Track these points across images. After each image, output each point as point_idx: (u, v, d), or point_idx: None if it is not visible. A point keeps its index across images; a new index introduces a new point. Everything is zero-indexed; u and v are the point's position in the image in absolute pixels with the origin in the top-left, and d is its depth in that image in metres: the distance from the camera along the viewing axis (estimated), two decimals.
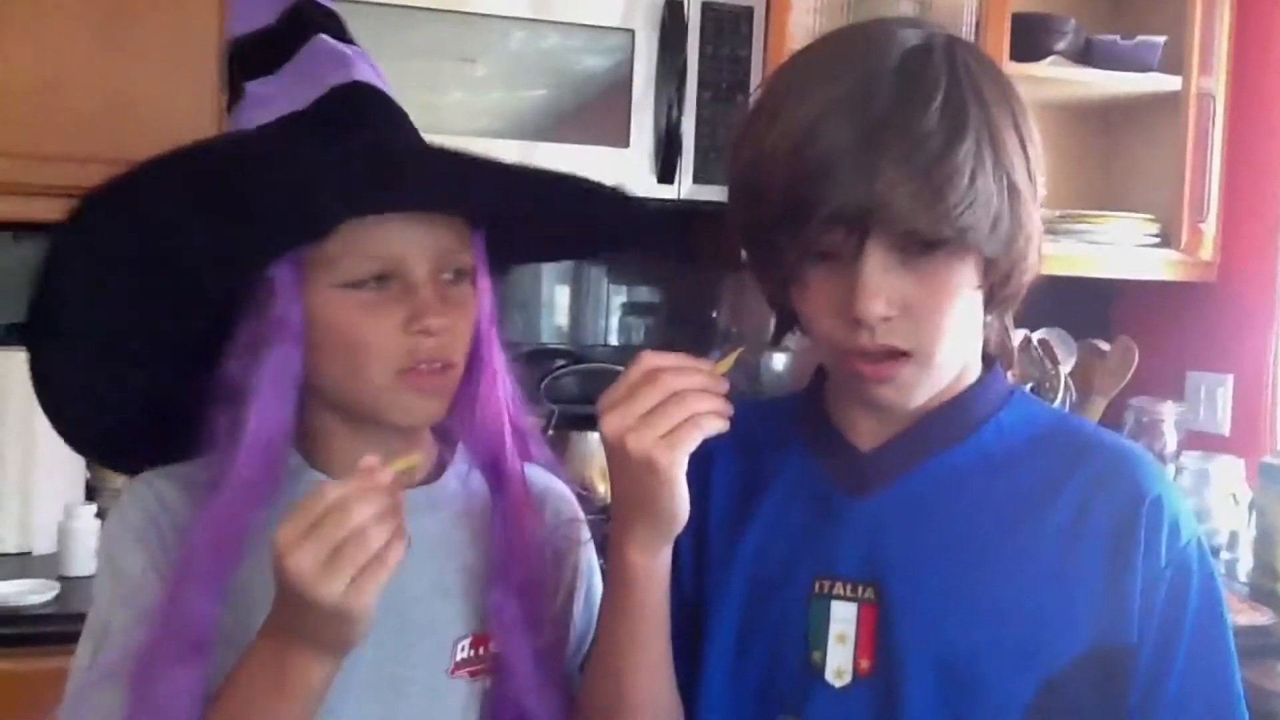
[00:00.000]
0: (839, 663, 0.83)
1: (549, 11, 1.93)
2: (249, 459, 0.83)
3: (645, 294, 2.44)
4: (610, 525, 0.82)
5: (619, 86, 1.97)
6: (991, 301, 0.82)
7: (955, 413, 0.86)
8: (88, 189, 0.81)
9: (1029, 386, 2.17)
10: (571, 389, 2.21)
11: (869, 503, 0.85)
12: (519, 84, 1.96)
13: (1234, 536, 2.00)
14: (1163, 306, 2.37)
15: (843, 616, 0.83)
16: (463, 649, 0.92)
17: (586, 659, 0.90)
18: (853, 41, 0.81)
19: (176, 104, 1.75)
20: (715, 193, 1.99)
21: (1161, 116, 2.27)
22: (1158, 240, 2.23)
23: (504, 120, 1.94)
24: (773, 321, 0.90)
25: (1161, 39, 2.22)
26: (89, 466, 1.87)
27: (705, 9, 1.99)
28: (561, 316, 2.38)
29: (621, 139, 1.97)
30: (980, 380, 0.87)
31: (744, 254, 0.87)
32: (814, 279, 0.80)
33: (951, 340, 0.80)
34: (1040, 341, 2.26)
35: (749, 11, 2.01)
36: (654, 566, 0.81)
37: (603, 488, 2.02)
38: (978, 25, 2.12)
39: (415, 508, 0.92)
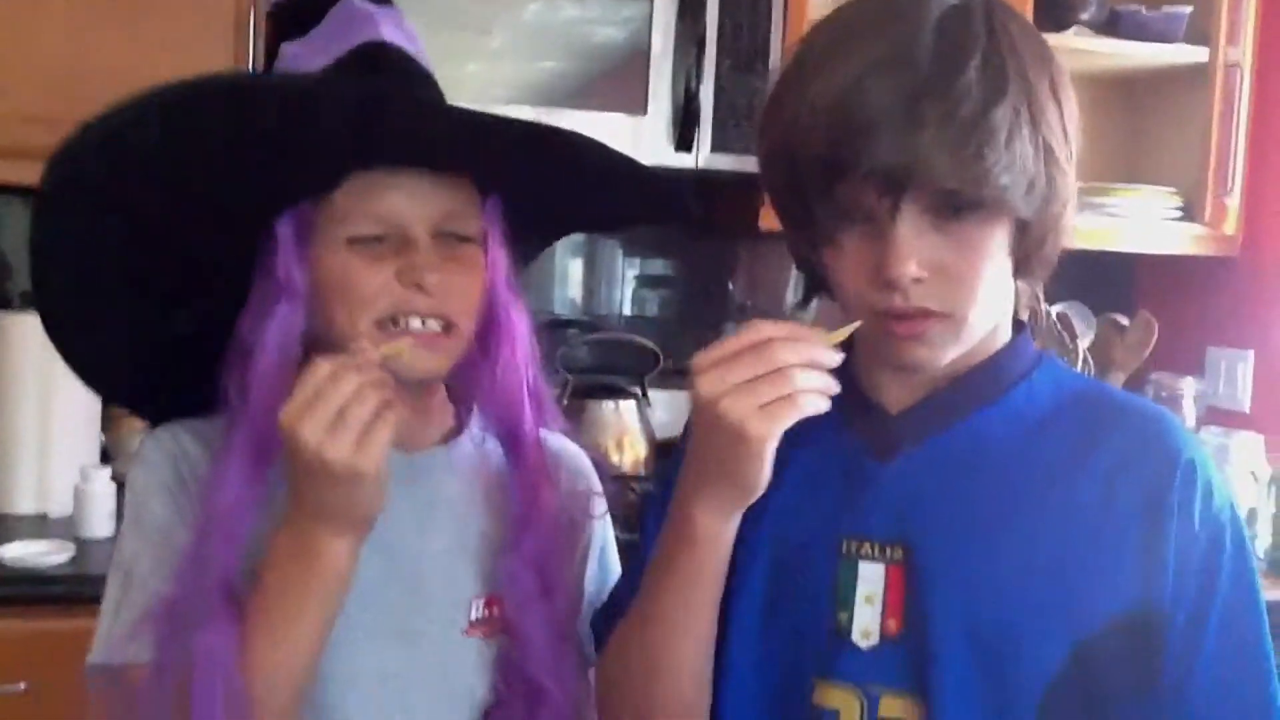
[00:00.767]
0: (866, 624, 0.82)
1: None
2: (256, 418, 0.83)
3: (660, 265, 2.43)
4: (679, 483, 0.80)
5: (637, 54, 1.95)
6: (1023, 267, 0.82)
7: (985, 375, 0.85)
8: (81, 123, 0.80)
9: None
10: (586, 359, 2.20)
11: (898, 464, 0.85)
12: (535, 54, 1.94)
13: (1253, 513, 1.99)
14: (1183, 281, 2.35)
15: (870, 577, 0.83)
16: (477, 608, 0.92)
17: (621, 622, 0.89)
18: (888, 5, 0.80)
19: (194, 68, 1.73)
20: (733, 161, 1.97)
21: (1187, 88, 2.24)
22: (1180, 214, 2.20)
23: (521, 90, 1.93)
24: (790, 290, 0.89)
25: (1187, 9, 2.19)
26: (104, 430, 1.87)
27: None
28: (575, 287, 2.37)
29: (639, 107, 1.95)
30: (1010, 344, 0.87)
31: (775, 215, 0.86)
32: (847, 240, 0.79)
33: (983, 303, 0.80)
34: (1059, 315, 2.24)
35: None
36: (721, 531, 0.80)
37: (617, 458, 2.02)
38: None
39: (433, 468, 0.93)
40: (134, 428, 1.92)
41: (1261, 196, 2.19)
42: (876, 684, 0.82)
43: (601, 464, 1.06)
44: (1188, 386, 2.17)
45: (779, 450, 0.76)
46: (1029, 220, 0.78)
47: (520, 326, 0.94)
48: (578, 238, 2.34)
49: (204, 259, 0.87)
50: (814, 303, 0.86)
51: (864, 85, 0.74)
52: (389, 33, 0.88)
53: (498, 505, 0.95)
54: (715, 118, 1.97)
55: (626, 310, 2.40)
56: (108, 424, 1.88)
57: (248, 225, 0.86)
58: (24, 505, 1.78)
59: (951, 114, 0.73)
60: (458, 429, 0.97)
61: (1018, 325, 0.89)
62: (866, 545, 0.83)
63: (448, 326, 0.87)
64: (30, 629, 1.50)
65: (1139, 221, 2.18)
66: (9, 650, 1.49)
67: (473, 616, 0.92)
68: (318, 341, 0.87)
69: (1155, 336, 2.20)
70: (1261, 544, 1.95)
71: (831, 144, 0.75)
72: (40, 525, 1.74)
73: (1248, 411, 2.20)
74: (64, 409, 1.79)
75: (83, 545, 1.63)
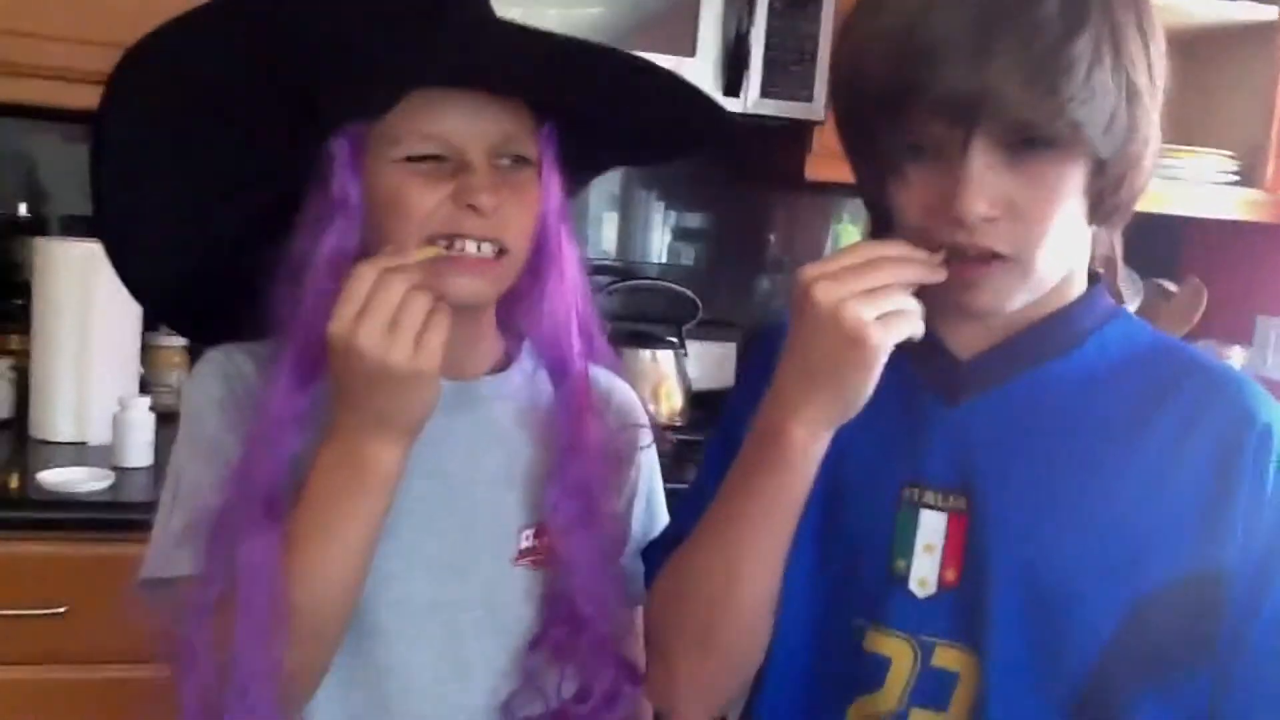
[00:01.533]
0: (924, 572, 0.81)
1: None
2: (306, 333, 0.83)
3: (698, 216, 2.40)
4: (768, 400, 0.79)
5: None
6: (1099, 210, 0.78)
7: (1059, 325, 0.83)
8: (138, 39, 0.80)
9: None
10: (621, 307, 2.19)
11: (963, 410, 0.83)
12: None
13: None
14: (1233, 247, 2.30)
15: (931, 526, 0.81)
16: (526, 538, 0.92)
17: (685, 546, 0.86)
18: None
19: None
20: (782, 107, 1.93)
21: (1251, 47, 2.18)
22: (1237, 178, 2.15)
23: (569, 28, 1.88)
24: (829, 245, 0.87)
25: None
26: (143, 361, 1.88)
27: None
28: (611, 234, 2.35)
29: (688, 48, 1.92)
30: (1084, 296, 0.85)
31: (841, 146, 0.83)
32: (914, 173, 0.77)
33: (1053, 247, 0.77)
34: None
35: None
36: (815, 449, 0.78)
37: (653, 407, 2.01)
38: None
39: (484, 396, 0.93)
40: (172, 360, 1.92)
41: None
42: (930, 634, 0.81)
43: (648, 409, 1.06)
44: (1235, 356, 2.13)
45: None
46: (1107, 159, 0.75)
47: (570, 255, 0.94)
48: (613, 184, 2.31)
49: (259, 177, 0.87)
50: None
51: (934, 9, 0.71)
52: None
53: (546, 437, 0.95)
54: (765, 62, 1.93)
55: (662, 259, 2.37)
56: (146, 355, 1.88)
57: (302, 143, 0.85)
58: (63, 432, 1.79)
59: (1027, 42, 0.70)
60: (508, 359, 0.97)
61: (1093, 277, 0.86)
62: (928, 493, 0.82)
63: (500, 251, 0.86)
64: (70, 553, 1.51)
65: (1193, 184, 2.13)
66: (49, 573, 1.51)
67: (521, 545, 0.92)
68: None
69: (1204, 304, 2.16)
70: None
71: (899, 70, 0.73)
72: (79, 452, 1.75)
73: None
74: (103, 338, 1.79)
75: (121, 474, 1.64)
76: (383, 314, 0.77)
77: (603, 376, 1.00)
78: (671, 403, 2.04)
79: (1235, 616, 0.77)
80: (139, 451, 1.69)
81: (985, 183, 0.73)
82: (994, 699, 0.78)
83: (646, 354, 2.03)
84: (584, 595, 0.91)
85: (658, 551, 0.93)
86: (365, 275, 0.78)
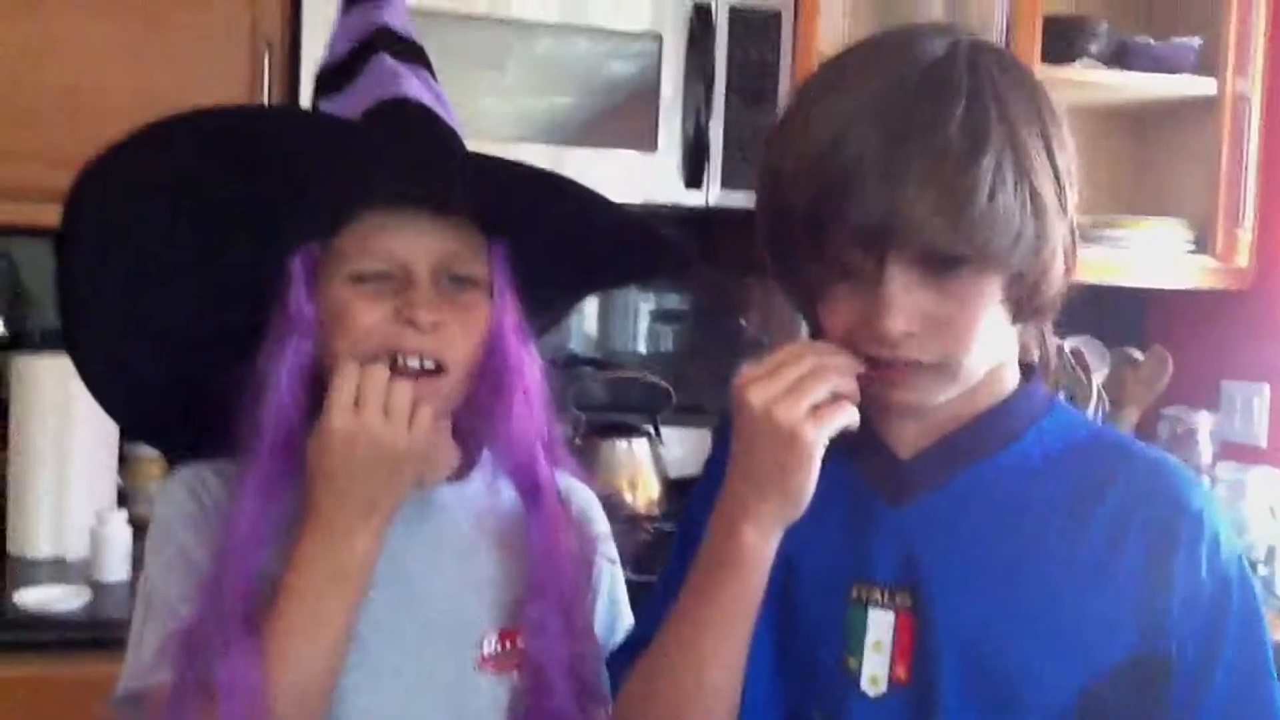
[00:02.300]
0: (874, 670, 0.82)
1: (577, 17, 1.93)
2: (268, 448, 0.86)
3: (673, 301, 2.43)
4: (720, 503, 0.81)
5: (647, 91, 1.97)
6: (1020, 313, 0.81)
7: (995, 421, 0.85)
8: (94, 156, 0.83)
9: (1061, 396, 2.15)
10: (599, 396, 2.21)
11: (908, 509, 0.85)
12: (548, 89, 1.96)
13: (1272, 551, 1.97)
14: (1197, 314, 2.34)
15: (880, 624, 0.83)
16: (490, 643, 0.93)
17: (650, 650, 0.88)
18: (874, 54, 0.80)
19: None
20: (744, 198, 1.98)
21: (1196, 120, 2.24)
22: (1193, 247, 2.20)
23: (533, 126, 1.94)
24: (803, 327, 0.90)
25: (1196, 40, 2.20)
26: (121, 473, 1.88)
27: (733, 13, 1.98)
28: (589, 324, 2.38)
29: (649, 144, 1.97)
30: (1019, 389, 0.87)
31: (771, 268, 0.86)
32: (837, 295, 0.80)
33: (978, 351, 0.80)
34: (1072, 350, 2.23)
35: (777, 16, 2.00)
36: (766, 549, 0.80)
37: (630, 497, 2.02)
38: (1009, 27, 2.11)
39: (443, 504, 0.95)
40: (150, 473, 1.93)
41: (1274, 229, 2.18)
42: None
43: (612, 504, 1.07)
44: (1203, 421, 2.15)
45: None
46: (1018, 272, 0.77)
47: (533, 372, 0.96)
48: None
49: (222, 295, 0.90)
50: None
51: (844, 140, 0.74)
52: (413, 89, 0.91)
53: (509, 543, 0.96)
54: (725, 154, 1.98)
55: (641, 347, 2.40)
56: (125, 467, 1.89)
57: (263, 262, 0.88)
58: (41, 548, 1.79)
59: (932, 169, 0.73)
60: (466, 466, 0.99)
61: (1027, 369, 0.89)
62: (876, 591, 0.83)
63: (439, 365, 0.89)
64: (46, 675, 1.50)
65: (1151, 254, 2.17)
66: (25, 696, 1.49)
67: (485, 651, 0.93)
68: (326, 376, 0.88)
69: (1170, 371, 2.19)
70: None
71: (814, 200, 0.76)
72: (56, 568, 1.75)
73: (1264, 446, 2.18)
74: (81, 451, 1.80)
75: (99, 589, 1.64)
76: (376, 401, 0.83)
77: (562, 481, 1.02)
78: (648, 492, 2.05)
79: (1182, 699, 0.79)
80: (117, 565, 1.68)
81: (904, 302, 0.76)
82: None
83: (622, 444, 2.04)
84: (565, 708, 0.92)
85: (623, 655, 0.94)
86: (350, 371, 0.84)
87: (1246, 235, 2.17)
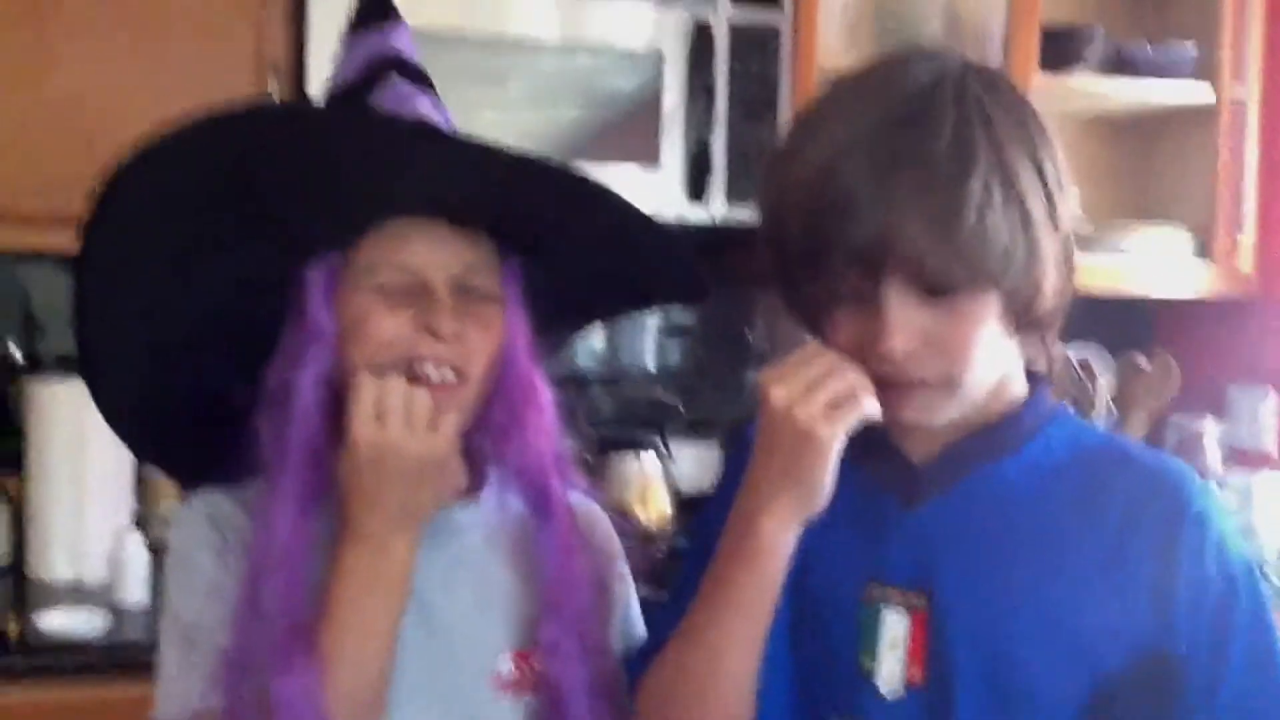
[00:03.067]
0: (890, 669, 0.84)
1: (579, 36, 1.95)
2: (297, 460, 0.87)
3: (680, 316, 2.44)
4: (741, 497, 0.83)
5: (649, 106, 1.99)
6: (1020, 326, 0.83)
7: (1004, 428, 0.87)
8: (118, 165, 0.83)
9: (1068, 404, 2.15)
10: (608, 413, 2.22)
11: (920, 512, 0.87)
12: (550, 105, 1.98)
13: None
14: (1201, 321, 2.35)
15: (894, 624, 0.85)
16: (505, 664, 0.94)
17: (669, 645, 0.89)
18: (865, 84, 0.83)
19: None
20: (748, 212, 1.99)
21: (1194, 126, 2.26)
22: (1195, 253, 2.20)
23: (536, 141, 1.96)
24: (811, 339, 0.92)
25: (1193, 47, 2.21)
26: (137, 496, 1.90)
27: (733, 30, 2.00)
28: (597, 340, 2.39)
29: (652, 158, 1.99)
30: (1027, 398, 0.89)
31: (776, 291, 0.88)
32: (839, 317, 0.82)
33: (980, 366, 0.82)
34: (1078, 359, 2.24)
35: (775, 31, 2.02)
36: (785, 542, 0.82)
37: (641, 513, 2.03)
38: (1006, 36, 2.12)
39: (454, 526, 0.95)
40: (166, 494, 1.94)
41: (1275, 234, 2.19)
42: None
43: (623, 523, 1.08)
44: (1209, 427, 2.16)
45: None
46: (1012, 290, 0.79)
47: (545, 392, 0.97)
48: None
49: (235, 312, 0.90)
50: None
51: (837, 170, 0.77)
52: (426, 111, 0.92)
53: (522, 562, 0.97)
54: (728, 168, 2.00)
55: (649, 362, 2.41)
56: (140, 490, 1.91)
57: (277, 277, 0.89)
58: (59, 571, 1.81)
59: (922, 192, 0.76)
60: (475, 485, 0.99)
61: (1034, 377, 0.90)
62: (890, 591, 0.85)
63: (460, 375, 0.90)
64: (65, 698, 1.51)
65: (1153, 262, 2.18)
66: (45, 719, 1.51)
67: (501, 673, 0.94)
68: (344, 386, 0.89)
69: (1176, 378, 2.19)
70: None
71: (809, 226, 0.79)
72: (75, 591, 1.77)
73: (1271, 451, 2.19)
74: (97, 475, 1.82)
75: (117, 612, 1.66)
76: (398, 411, 0.84)
77: (575, 500, 1.02)
78: (659, 507, 2.05)
79: (1193, 698, 0.81)
80: (135, 588, 1.70)
81: (903, 322, 0.78)
82: None
83: (632, 459, 2.05)
84: None
85: (641, 659, 0.95)
86: (368, 383, 0.85)
87: (1248, 240, 2.19)
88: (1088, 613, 0.81)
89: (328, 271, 0.89)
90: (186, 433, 0.95)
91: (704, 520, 0.98)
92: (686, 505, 2.07)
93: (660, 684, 0.90)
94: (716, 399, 2.36)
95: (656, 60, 1.98)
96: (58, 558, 1.81)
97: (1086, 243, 2.17)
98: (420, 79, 0.95)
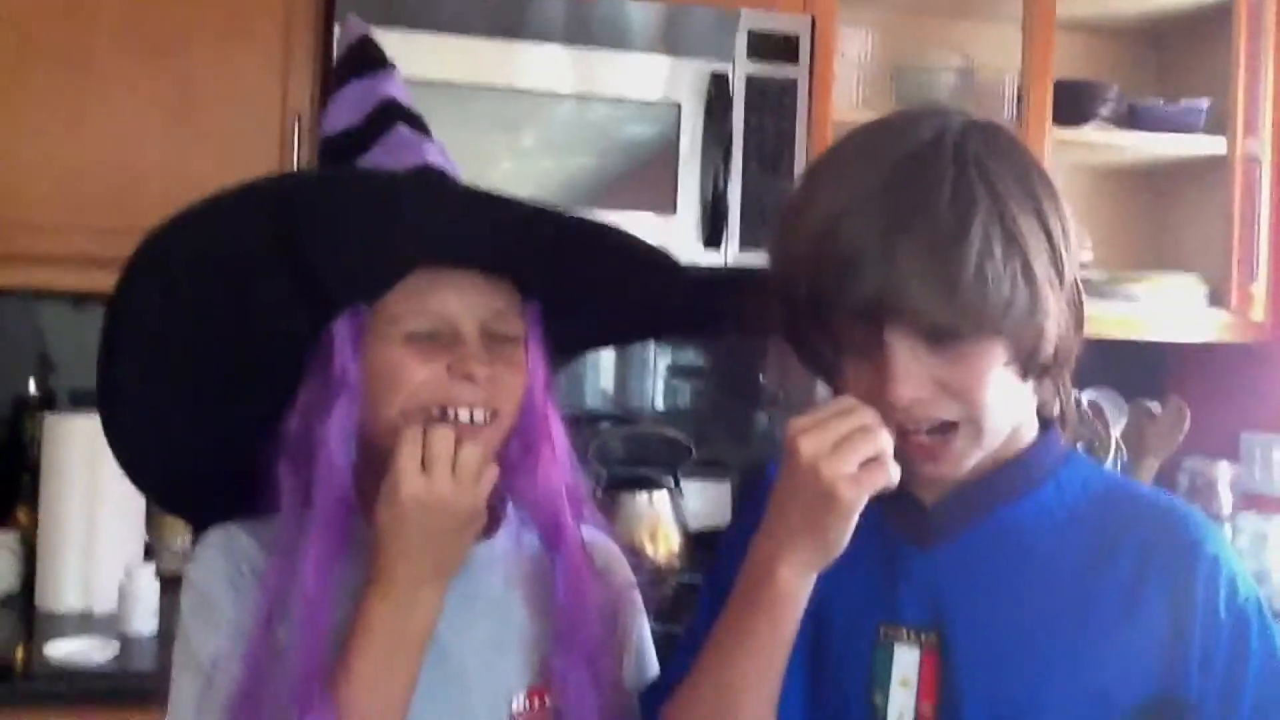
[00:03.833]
0: (900, 707, 0.85)
1: (595, 86, 1.98)
2: (328, 511, 0.87)
3: (691, 357, 2.46)
4: (757, 543, 0.83)
5: (666, 156, 2.01)
6: (1029, 372, 0.84)
7: (1015, 471, 0.88)
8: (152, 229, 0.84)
9: (1080, 448, 2.15)
10: (619, 452, 2.22)
11: (932, 555, 0.87)
12: (566, 153, 2.00)
13: None
14: (1214, 367, 2.35)
15: (905, 661, 0.85)
16: (519, 702, 0.94)
17: (683, 690, 0.89)
18: (868, 143, 0.85)
19: (239, 180, 1.82)
20: (762, 259, 1.99)
21: (1207, 179, 2.28)
22: (1208, 301, 2.22)
23: (552, 190, 1.99)
24: (820, 388, 0.93)
25: (1205, 102, 2.23)
26: (148, 527, 1.91)
27: (750, 81, 2.03)
28: (608, 380, 2.41)
29: (669, 206, 2.01)
30: (1038, 441, 0.89)
31: (789, 345, 0.90)
32: (849, 369, 0.83)
33: (996, 410, 0.82)
34: (1090, 403, 2.24)
35: (793, 84, 2.05)
36: (801, 589, 0.82)
37: (651, 550, 2.03)
38: (1020, 93, 2.15)
39: (472, 562, 0.95)
40: (177, 527, 1.95)
41: None
42: None
43: (634, 560, 1.08)
44: (1222, 472, 2.16)
45: None
46: (1015, 339, 0.80)
47: (559, 427, 0.98)
48: None
49: (255, 362, 0.91)
50: None
51: (839, 228, 0.79)
52: (435, 158, 0.93)
53: (537, 599, 0.97)
54: (743, 216, 2.02)
55: (659, 402, 2.42)
56: (151, 521, 1.92)
57: (305, 328, 0.90)
58: (69, 602, 1.82)
59: (922, 247, 0.77)
60: (492, 522, 0.99)
61: (1045, 422, 0.91)
62: (902, 631, 0.86)
63: (492, 415, 0.91)
64: None
65: (1167, 309, 2.20)
66: None
67: (515, 710, 0.94)
68: (371, 434, 0.90)
69: (1188, 423, 2.20)
70: None
71: (814, 283, 0.80)
72: (84, 622, 1.77)
73: None
74: (109, 507, 1.83)
75: (126, 642, 1.66)
76: (445, 465, 0.84)
77: (590, 534, 1.03)
78: (669, 545, 2.05)
79: None
80: (145, 618, 1.70)
81: (909, 371, 0.80)
82: None
83: (643, 497, 2.06)
84: None
85: (656, 696, 0.95)
86: (415, 436, 0.85)
87: (1261, 290, 2.20)
88: (1099, 655, 0.81)
89: (354, 323, 0.89)
90: (203, 480, 0.95)
91: (721, 557, 0.99)
92: (696, 543, 2.07)
93: None
94: (727, 439, 2.37)
95: (674, 111, 2.00)
96: (68, 588, 1.82)
97: (1101, 290, 2.18)
98: (421, 126, 0.96)
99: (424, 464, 0.84)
